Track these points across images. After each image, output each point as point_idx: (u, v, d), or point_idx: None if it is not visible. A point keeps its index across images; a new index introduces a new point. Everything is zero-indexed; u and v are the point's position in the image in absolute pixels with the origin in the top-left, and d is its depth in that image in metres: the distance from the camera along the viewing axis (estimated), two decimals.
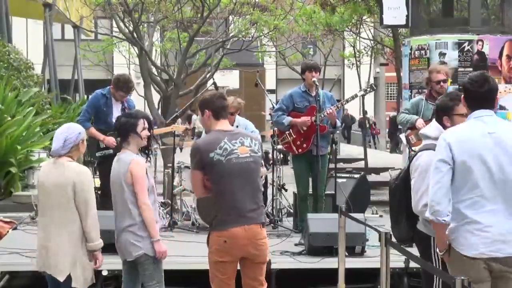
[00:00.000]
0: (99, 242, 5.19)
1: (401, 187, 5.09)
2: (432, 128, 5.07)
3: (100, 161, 8.52)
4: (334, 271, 6.50)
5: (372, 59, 21.68)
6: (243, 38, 17.95)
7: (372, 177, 15.18)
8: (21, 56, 16.51)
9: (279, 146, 8.85)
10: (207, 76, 17.16)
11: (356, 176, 10.04)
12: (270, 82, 35.95)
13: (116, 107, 8.56)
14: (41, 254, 5.17)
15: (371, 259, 7.22)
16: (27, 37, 33.31)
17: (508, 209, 4.35)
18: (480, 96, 4.51)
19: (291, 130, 8.49)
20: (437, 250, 4.64)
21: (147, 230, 5.25)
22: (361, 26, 18.54)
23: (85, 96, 21.76)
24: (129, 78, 8.66)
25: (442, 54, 9.53)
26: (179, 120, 21.58)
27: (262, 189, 5.40)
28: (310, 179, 8.52)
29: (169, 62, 20.12)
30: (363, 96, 10.06)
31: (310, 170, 8.47)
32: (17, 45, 17.55)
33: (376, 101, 36.16)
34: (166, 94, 15.70)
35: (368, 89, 8.85)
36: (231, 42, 18.03)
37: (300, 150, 8.48)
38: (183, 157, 9.29)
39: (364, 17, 17.85)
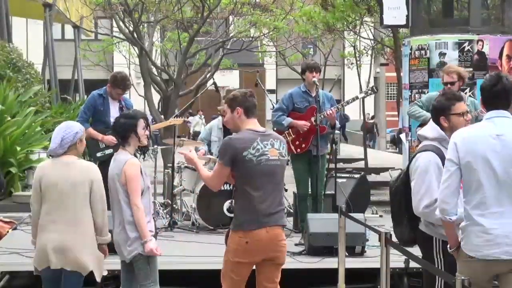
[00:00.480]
0: (109, 236, 5.33)
1: (401, 189, 5.10)
2: (430, 129, 5.07)
3: (100, 162, 8.53)
4: (334, 271, 6.50)
5: (372, 59, 21.68)
6: (243, 38, 17.95)
7: (372, 177, 15.17)
8: (22, 56, 16.50)
9: None
10: (207, 76, 17.16)
11: (356, 176, 10.04)
12: (270, 82, 35.95)
13: (114, 106, 8.58)
14: (59, 253, 5.16)
15: (371, 259, 7.22)
16: (27, 37, 33.32)
17: (510, 211, 4.34)
18: (493, 95, 4.52)
19: (290, 130, 8.49)
20: (448, 247, 4.65)
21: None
22: (361, 26, 18.53)
23: (85, 96, 21.72)
24: (126, 75, 8.67)
25: (442, 54, 9.53)
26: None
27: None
28: (310, 179, 8.53)
29: (169, 62, 20.11)
30: (364, 98, 10.06)
31: (309, 170, 8.48)
32: (17, 45, 17.53)
33: (376, 101, 36.15)
34: (166, 94, 15.69)
35: (369, 92, 8.84)
36: (231, 42, 18.03)
37: (299, 150, 8.48)
38: (182, 157, 9.28)
39: (364, 17, 17.85)
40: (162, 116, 15.17)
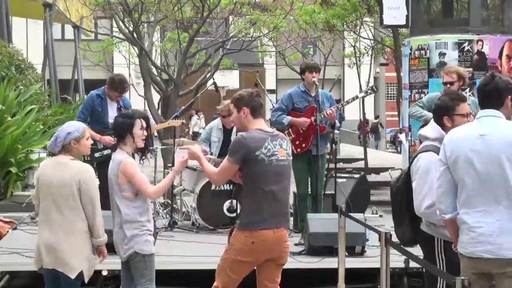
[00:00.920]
0: (105, 238, 5.26)
1: (403, 189, 5.10)
2: (431, 129, 5.07)
3: (99, 162, 8.53)
4: (334, 271, 6.51)
5: (372, 59, 21.68)
6: (243, 38, 17.93)
7: (372, 177, 15.17)
8: (22, 56, 16.50)
9: None
10: (207, 76, 17.14)
11: (356, 176, 10.04)
12: (270, 82, 35.94)
13: (112, 107, 8.60)
14: (49, 253, 5.16)
15: (371, 259, 7.22)
16: (27, 37, 33.30)
17: (497, 211, 4.34)
18: (485, 94, 4.53)
19: (290, 129, 8.49)
20: (452, 245, 4.66)
21: (136, 229, 5.27)
22: (361, 26, 18.53)
23: (85, 96, 21.72)
24: (124, 78, 8.68)
25: (442, 54, 9.53)
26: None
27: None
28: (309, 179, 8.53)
29: (169, 62, 20.09)
30: (363, 98, 10.07)
31: (309, 170, 8.48)
32: (17, 45, 17.54)
33: (376, 101, 36.17)
34: (166, 94, 15.67)
35: (369, 91, 8.84)
36: (231, 42, 18.02)
37: (299, 149, 8.48)
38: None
39: (364, 17, 17.84)
40: (162, 117, 15.15)
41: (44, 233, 5.22)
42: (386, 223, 8.50)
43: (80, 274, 5.14)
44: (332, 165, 9.56)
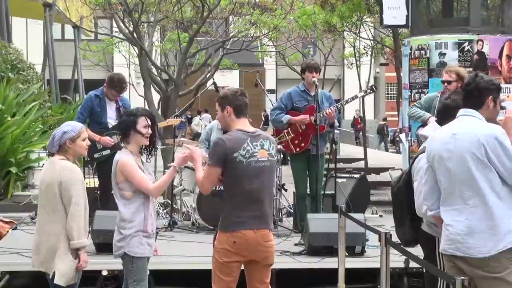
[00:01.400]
0: (80, 241, 5.06)
1: (403, 189, 5.11)
2: (432, 129, 5.07)
3: (99, 162, 8.54)
4: (334, 271, 6.51)
5: (372, 59, 21.68)
6: (243, 38, 17.93)
7: (372, 177, 15.18)
8: (22, 56, 16.50)
9: (279, 146, 8.85)
10: (207, 76, 17.14)
11: (356, 176, 10.04)
12: (270, 82, 35.94)
13: (110, 107, 8.61)
14: (36, 252, 5.17)
15: (371, 259, 7.22)
16: (27, 37, 33.29)
17: (467, 210, 4.37)
18: (467, 94, 4.56)
19: (289, 128, 8.49)
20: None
21: (130, 229, 5.24)
22: (361, 26, 18.52)
23: (85, 96, 21.72)
24: (123, 78, 8.68)
25: (442, 54, 9.53)
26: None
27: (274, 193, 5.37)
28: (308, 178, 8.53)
29: (169, 62, 20.08)
30: (363, 97, 10.07)
31: (308, 169, 8.48)
32: (17, 45, 17.54)
33: (376, 101, 36.18)
34: (166, 94, 15.66)
35: (368, 91, 8.84)
36: (231, 42, 18.01)
37: (298, 149, 8.49)
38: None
39: (364, 17, 17.83)
40: (162, 117, 15.15)
41: (34, 233, 5.26)
42: (386, 223, 8.51)
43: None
44: (332, 165, 9.56)
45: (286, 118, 8.46)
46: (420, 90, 9.56)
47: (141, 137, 5.34)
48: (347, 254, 6.65)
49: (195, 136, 26.31)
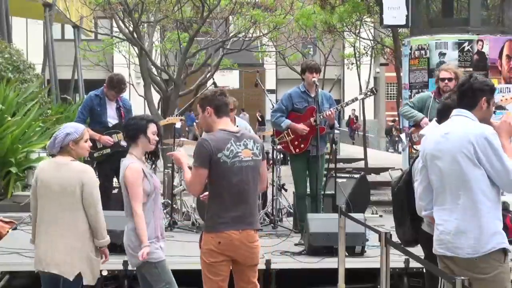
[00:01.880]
0: (107, 239, 5.21)
1: (404, 189, 5.11)
2: (432, 129, 5.07)
3: (98, 161, 8.55)
4: (334, 271, 6.50)
5: (372, 59, 21.67)
6: (243, 38, 17.94)
7: (372, 177, 15.18)
8: (22, 56, 16.50)
9: (279, 146, 8.86)
10: (207, 76, 17.16)
11: (356, 176, 10.04)
12: (270, 82, 35.95)
13: (111, 106, 8.62)
14: (46, 254, 5.12)
15: (371, 259, 7.22)
16: (27, 37, 33.32)
17: (457, 209, 4.37)
18: (460, 94, 4.56)
19: (289, 130, 8.48)
20: None
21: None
22: (361, 26, 18.52)
23: (85, 96, 21.71)
24: (122, 78, 8.68)
25: (442, 54, 9.53)
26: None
27: (259, 193, 5.30)
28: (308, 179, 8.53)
29: (169, 62, 20.10)
30: (363, 99, 10.07)
31: (308, 170, 8.48)
32: (17, 45, 17.53)
33: (376, 101, 36.17)
34: (166, 94, 15.69)
35: (369, 93, 8.84)
36: (231, 42, 18.02)
37: (297, 150, 8.48)
38: (182, 157, 9.26)
39: (364, 17, 17.83)
40: (162, 117, 15.16)
41: (41, 234, 5.18)
42: (386, 223, 8.51)
43: (79, 276, 5.08)
44: (332, 165, 9.55)
45: (285, 123, 8.41)
46: (420, 90, 9.55)
47: (148, 143, 5.32)
48: (347, 254, 6.64)
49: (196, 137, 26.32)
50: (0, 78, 14.03)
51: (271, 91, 34.44)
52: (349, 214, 6.66)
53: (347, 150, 26.42)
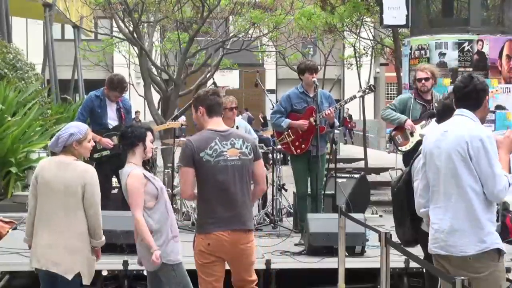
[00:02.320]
0: (103, 239, 5.22)
1: (404, 189, 5.11)
2: (433, 128, 5.07)
3: (98, 162, 8.54)
4: (334, 271, 6.50)
5: (372, 59, 21.67)
6: (243, 38, 17.93)
7: (372, 177, 15.18)
8: (22, 56, 16.49)
9: (279, 146, 8.86)
10: (207, 76, 17.14)
11: (356, 176, 10.04)
12: (270, 82, 35.95)
13: (111, 107, 8.59)
14: (45, 253, 5.12)
15: (371, 259, 7.22)
16: (27, 37, 33.31)
17: (451, 208, 4.38)
18: (464, 96, 4.55)
19: (289, 131, 8.48)
20: None
21: (159, 239, 5.18)
22: (361, 26, 18.52)
23: (85, 96, 21.70)
24: (123, 78, 8.65)
25: (442, 54, 9.53)
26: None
27: (250, 191, 5.23)
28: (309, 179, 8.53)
29: (169, 62, 20.09)
30: (362, 97, 10.06)
31: (308, 170, 8.48)
32: (17, 45, 17.52)
33: (376, 101, 36.17)
34: (166, 94, 15.68)
35: (367, 90, 8.84)
36: (231, 42, 18.01)
37: (298, 150, 8.48)
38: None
39: (364, 17, 17.83)
40: (162, 118, 15.16)
41: (40, 233, 5.17)
42: (386, 223, 8.51)
43: (78, 275, 5.09)
44: (332, 165, 9.55)
45: (285, 122, 8.42)
46: None
47: (145, 151, 5.32)
48: (347, 254, 6.64)
49: None
50: (0, 78, 14.03)
51: (271, 91, 34.44)
52: (349, 214, 6.66)
53: (347, 150, 26.42)
